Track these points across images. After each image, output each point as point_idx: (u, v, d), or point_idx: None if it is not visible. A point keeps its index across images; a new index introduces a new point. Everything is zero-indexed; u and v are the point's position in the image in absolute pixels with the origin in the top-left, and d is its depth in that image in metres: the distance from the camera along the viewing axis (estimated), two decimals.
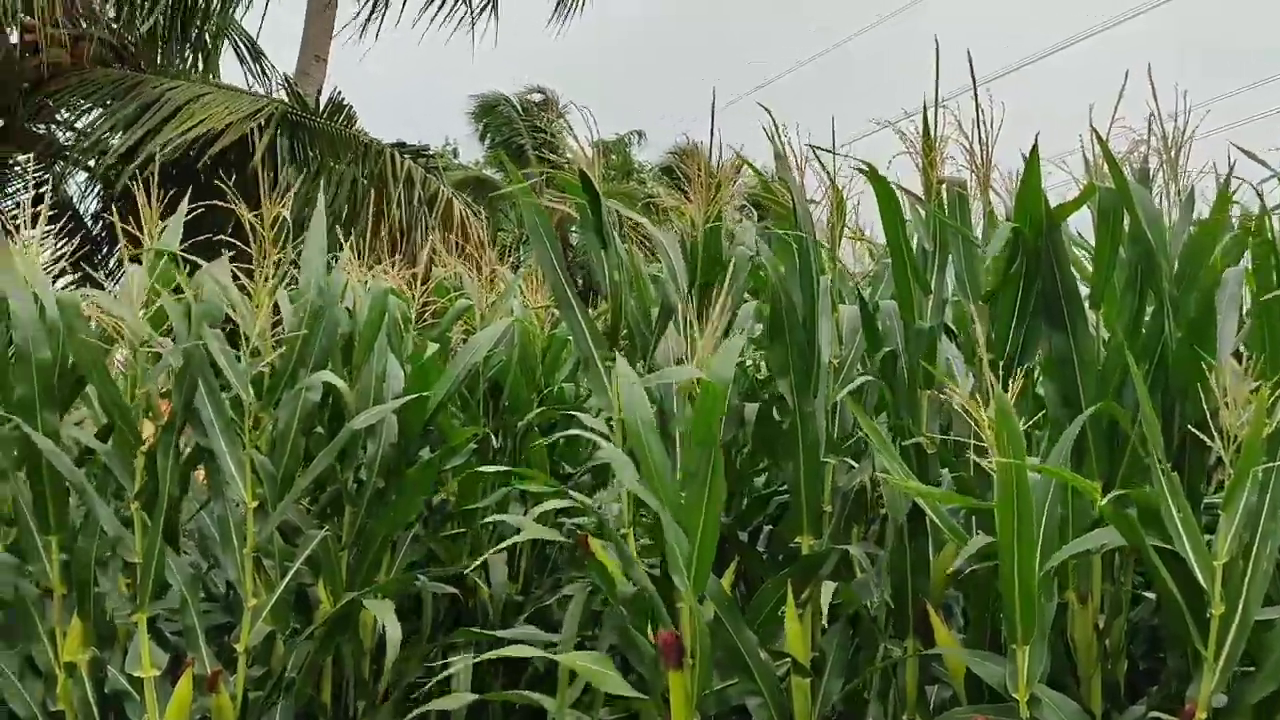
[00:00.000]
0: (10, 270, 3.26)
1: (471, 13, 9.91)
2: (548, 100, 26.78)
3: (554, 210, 3.77)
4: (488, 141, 27.00)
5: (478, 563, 3.60)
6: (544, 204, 3.58)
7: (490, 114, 26.64)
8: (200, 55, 8.92)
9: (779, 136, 3.25)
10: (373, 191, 7.73)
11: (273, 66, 10.11)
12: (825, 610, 2.94)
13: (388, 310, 3.85)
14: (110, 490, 3.40)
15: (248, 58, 9.42)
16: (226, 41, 9.62)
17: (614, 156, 28.61)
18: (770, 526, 3.97)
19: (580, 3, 11.12)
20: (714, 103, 3.37)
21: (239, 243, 3.47)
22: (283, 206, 3.36)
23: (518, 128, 25.83)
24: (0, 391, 3.23)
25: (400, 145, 9.70)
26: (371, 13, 10.14)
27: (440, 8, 10.26)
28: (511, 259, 4.66)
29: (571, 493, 3.31)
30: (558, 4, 10.52)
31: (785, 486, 3.73)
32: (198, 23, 8.63)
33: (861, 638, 3.25)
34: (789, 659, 3.06)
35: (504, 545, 3.42)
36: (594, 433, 3.24)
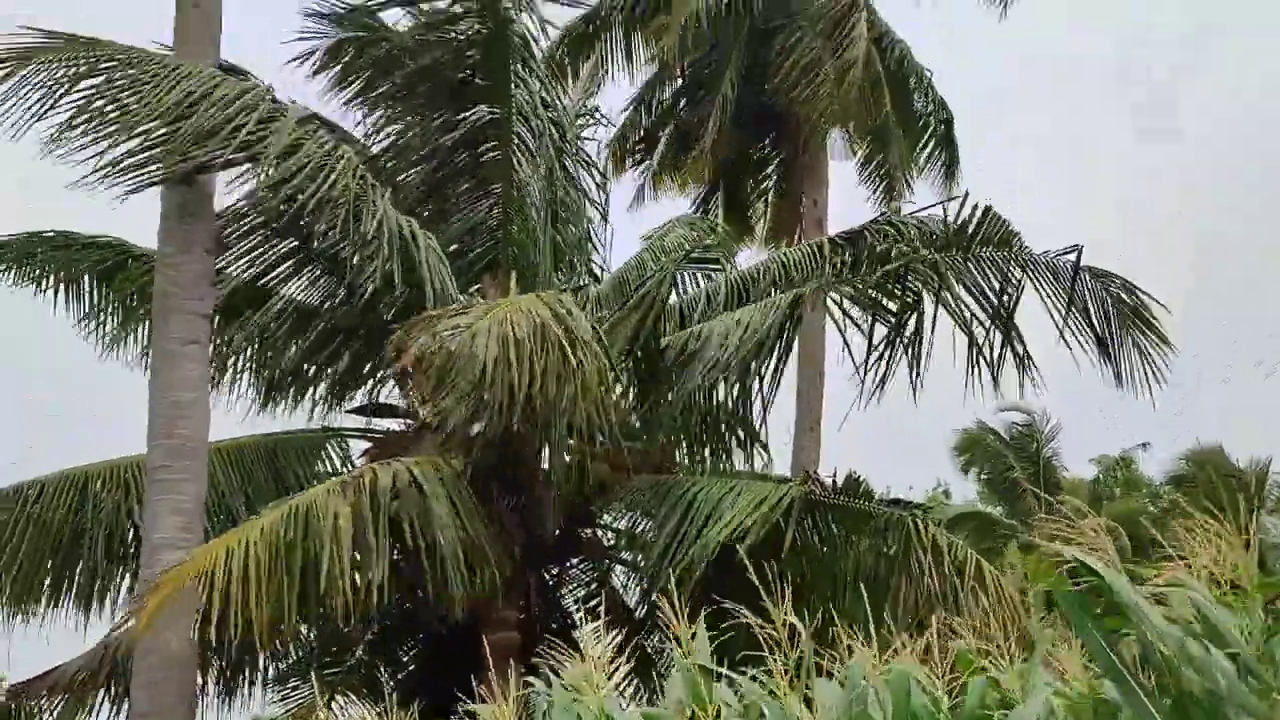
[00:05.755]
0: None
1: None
2: (1032, 420, 24.67)
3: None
4: (974, 475, 25.67)
5: None
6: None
7: (974, 446, 25.29)
8: (714, 445, 9.93)
9: None
10: (899, 560, 7.81)
11: (766, 448, 10.64)
12: None
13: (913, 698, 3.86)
14: None
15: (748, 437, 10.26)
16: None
17: (1118, 473, 26.35)
18: None
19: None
20: None
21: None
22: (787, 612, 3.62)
23: (1006, 459, 24.39)
24: None
25: (896, 502, 9.72)
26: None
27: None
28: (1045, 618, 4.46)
29: None
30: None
31: None
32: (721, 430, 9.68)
33: None
34: None
35: None
36: None
